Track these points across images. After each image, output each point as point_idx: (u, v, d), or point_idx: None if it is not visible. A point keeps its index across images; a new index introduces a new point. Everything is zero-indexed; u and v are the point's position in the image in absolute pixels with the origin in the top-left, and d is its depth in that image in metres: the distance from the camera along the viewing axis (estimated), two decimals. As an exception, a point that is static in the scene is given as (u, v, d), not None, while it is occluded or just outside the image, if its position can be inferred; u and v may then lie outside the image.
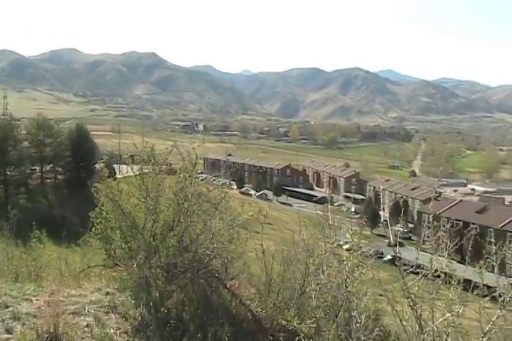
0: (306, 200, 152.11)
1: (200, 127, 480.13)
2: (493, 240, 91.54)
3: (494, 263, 8.33)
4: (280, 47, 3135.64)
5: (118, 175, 21.39)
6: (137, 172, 10.18)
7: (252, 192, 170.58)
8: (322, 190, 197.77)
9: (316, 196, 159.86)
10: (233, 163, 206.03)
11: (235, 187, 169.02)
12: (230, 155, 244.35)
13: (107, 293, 10.14)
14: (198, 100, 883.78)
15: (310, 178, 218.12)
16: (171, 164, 11.81)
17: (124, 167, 19.05)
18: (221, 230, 10.90)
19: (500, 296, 7.95)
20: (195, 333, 8.94)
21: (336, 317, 8.67)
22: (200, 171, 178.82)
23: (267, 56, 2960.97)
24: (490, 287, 8.20)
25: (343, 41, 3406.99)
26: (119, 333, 8.71)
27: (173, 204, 10.13)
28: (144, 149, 10.44)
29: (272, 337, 9.45)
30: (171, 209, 10.10)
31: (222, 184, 12.64)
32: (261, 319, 10.03)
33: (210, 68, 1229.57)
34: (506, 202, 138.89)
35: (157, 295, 9.43)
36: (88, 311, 9.24)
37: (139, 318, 9.13)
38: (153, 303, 9.28)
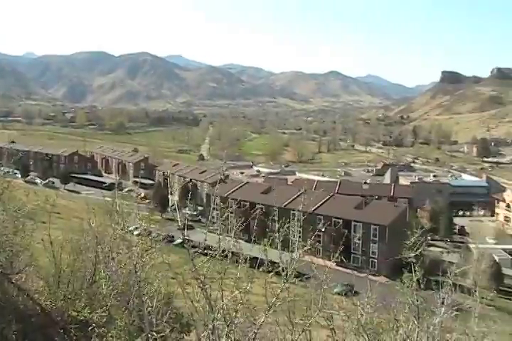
0: (95, 187, 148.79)
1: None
2: (276, 218, 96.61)
3: (277, 240, 8.86)
4: (66, 30, 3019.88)
5: None
6: None
7: (38, 180, 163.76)
8: (111, 176, 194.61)
9: (104, 182, 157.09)
10: (17, 150, 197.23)
11: (20, 175, 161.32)
12: (13, 142, 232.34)
13: None
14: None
15: (98, 165, 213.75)
16: None
17: None
18: (4, 222, 10.41)
19: (284, 271, 8.48)
20: (-22, 333, 8.46)
21: (128, 303, 8.69)
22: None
23: (52, 38, 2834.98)
24: (275, 262, 8.70)
25: (130, 25, 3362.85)
26: None
27: None
28: None
29: (62, 330, 9.23)
30: None
31: (4, 173, 11.99)
32: (51, 312, 9.76)
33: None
34: (289, 183, 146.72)
35: None
36: None
37: None
38: None
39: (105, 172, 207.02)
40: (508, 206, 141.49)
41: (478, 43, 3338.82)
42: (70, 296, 10.13)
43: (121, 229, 9.29)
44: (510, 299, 76.95)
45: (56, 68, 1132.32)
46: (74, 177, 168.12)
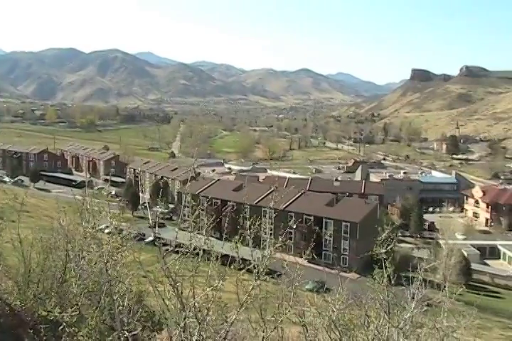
0: (65, 185, 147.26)
1: None
2: (248, 216, 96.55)
3: (249, 237, 8.87)
4: (35, 26, 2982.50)
5: None
6: None
7: (7, 178, 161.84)
8: (82, 174, 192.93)
9: (75, 180, 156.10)
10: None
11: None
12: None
13: None
14: None
15: (69, 162, 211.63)
16: None
17: None
18: (-28, 221, 10.24)
19: (255, 268, 8.50)
20: None
21: (99, 302, 8.63)
22: None
23: (20, 34, 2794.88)
24: (246, 260, 8.71)
25: (101, 22, 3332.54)
26: None
27: None
28: None
29: (32, 330, 9.13)
30: None
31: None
32: (20, 312, 9.65)
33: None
34: (260, 180, 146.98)
35: None
36: None
37: None
38: None
39: (75, 170, 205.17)
40: (476, 202, 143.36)
41: (447, 42, 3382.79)
42: (39, 296, 10.02)
43: (92, 228, 9.21)
44: (478, 294, 77.98)
45: (25, 65, 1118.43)
46: (44, 175, 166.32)
